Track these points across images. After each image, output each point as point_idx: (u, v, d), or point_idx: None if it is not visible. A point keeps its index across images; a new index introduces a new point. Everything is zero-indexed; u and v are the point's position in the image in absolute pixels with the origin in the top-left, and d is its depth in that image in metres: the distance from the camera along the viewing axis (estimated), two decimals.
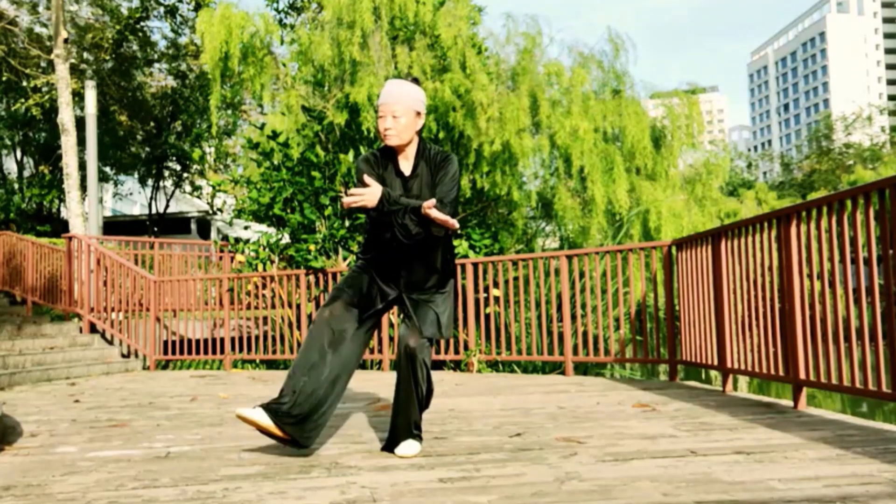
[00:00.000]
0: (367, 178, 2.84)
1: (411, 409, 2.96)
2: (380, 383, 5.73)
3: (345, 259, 8.55)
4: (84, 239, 9.27)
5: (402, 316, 3.06)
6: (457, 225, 2.81)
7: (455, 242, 8.86)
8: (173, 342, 8.69)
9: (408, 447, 2.93)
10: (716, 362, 4.81)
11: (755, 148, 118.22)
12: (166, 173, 23.00)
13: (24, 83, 17.66)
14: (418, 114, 2.93)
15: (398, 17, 9.88)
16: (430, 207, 2.72)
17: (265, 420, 2.81)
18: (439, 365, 7.77)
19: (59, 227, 18.89)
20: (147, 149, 21.65)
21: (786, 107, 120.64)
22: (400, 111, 2.87)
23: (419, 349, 2.92)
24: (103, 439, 3.55)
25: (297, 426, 2.84)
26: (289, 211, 9.24)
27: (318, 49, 9.78)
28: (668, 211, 10.75)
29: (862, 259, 3.39)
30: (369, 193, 2.78)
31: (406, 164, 2.97)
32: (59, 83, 12.94)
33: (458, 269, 7.11)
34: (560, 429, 3.45)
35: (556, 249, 11.46)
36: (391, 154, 2.98)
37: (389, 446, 2.98)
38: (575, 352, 6.32)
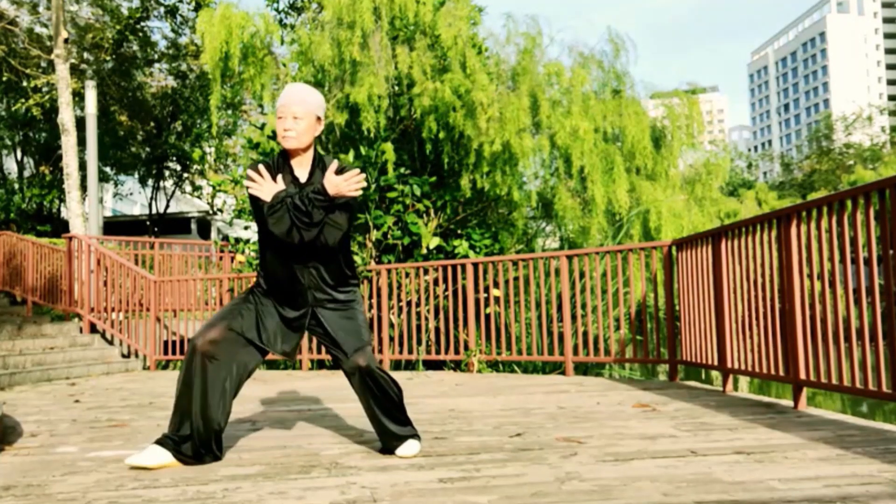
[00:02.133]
0: (262, 170, 2.79)
1: (394, 413, 2.97)
2: None
3: None
4: (84, 239, 9.28)
5: (323, 334, 2.95)
6: (359, 186, 2.72)
7: (455, 242, 8.87)
8: (173, 342, 8.69)
9: (408, 447, 2.93)
10: (716, 362, 4.81)
11: (755, 148, 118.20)
12: (166, 173, 23.00)
13: (25, 83, 17.66)
14: (318, 119, 2.89)
15: (398, 17, 9.87)
16: (334, 173, 2.69)
17: (166, 458, 2.80)
18: (439, 365, 7.77)
19: (59, 227, 18.90)
20: (147, 149, 21.64)
21: (786, 107, 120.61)
22: (300, 113, 2.82)
23: (371, 362, 2.92)
24: (103, 439, 3.55)
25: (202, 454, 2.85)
26: None
27: (318, 49, 9.78)
28: (668, 211, 10.75)
29: (862, 259, 3.39)
30: (268, 184, 2.75)
31: (302, 172, 2.91)
32: (59, 83, 12.93)
33: (459, 269, 7.11)
34: (560, 429, 3.45)
35: (556, 249, 11.46)
36: (286, 161, 2.91)
37: (386, 451, 2.99)
38: (575, 352, 6.32)
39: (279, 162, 2.91)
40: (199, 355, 2.81)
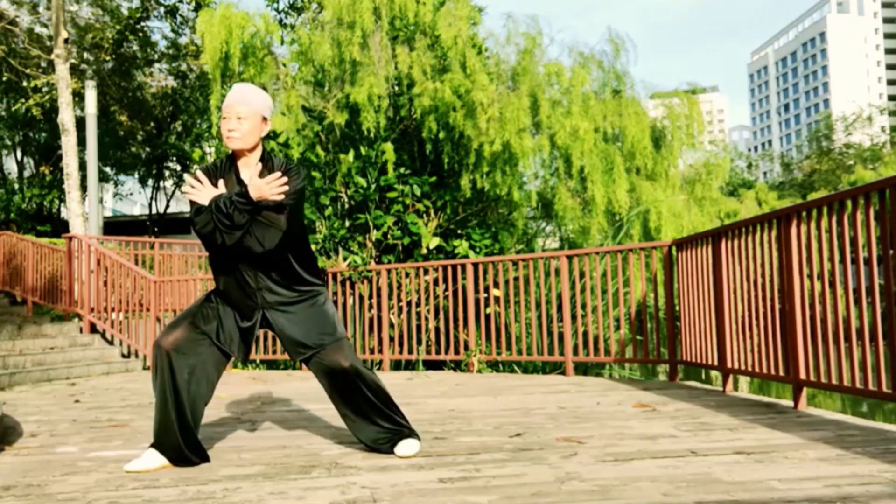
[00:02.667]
0: (199, 175, 2.78)
1: (389, 411, 2.96)
2: None
3: (345, 259, 8.55)
4: (84, 239, 9.28)
5: (280, 333, 2.91)
6: (281, 190, 2.67)
7: (455, 242, 8.87)
8: None
9: (407, 447, 2.92)
10: (716, 362, 4.81)
11: (755, 148, 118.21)
12: (166, 173, 23.01)
13: (25, 83, 17.67)
14: (264, 119, 2.85)
15: (398, 18, 9.88)
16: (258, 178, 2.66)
17: (162, 461, 2.79)
18: (439, 365, 7.77)
19: (59, 227, 18.91)
20: (147, 149, 21.66)
21: (786, 107, 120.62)
22: (245, 113, 2.78)
23: (354, 361, 2.91)
24: (103, 439, 3.55)
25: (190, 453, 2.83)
26: None
27: (318, 49, 9.78)
28: (668, 211, 10.75)
29: (862, 259, 3.39)
30: (206, 189, 2.74)
31: (248, 173, 2.86)
32: (59, 83, 12.94)
33: (459, 269, 7.11)
34: (560, 429, 3.45)
35: (556, 249, 11.46)
36: (233, 162, 2.88)
37: (384, 451, 2.97)
38: (575, 352, 6.32)
39: (225, 164, 2.88)
40: (164, 355, 2.78)
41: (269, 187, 2.65)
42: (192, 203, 2.76)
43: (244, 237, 2.74)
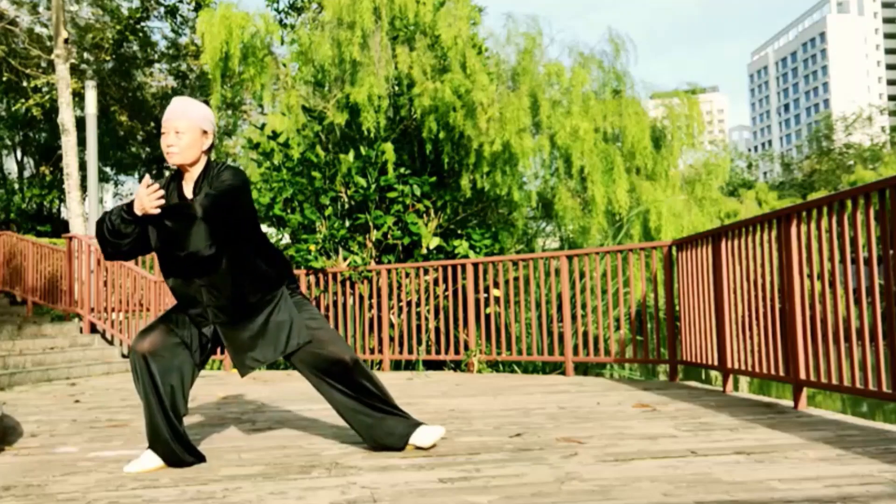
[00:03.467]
0: (142, 185, 2.66)
1: (390, 407, 2.96)
2: None
3: (345, 259, 8.55)
4: (84, 239, 9.28)
5: (241, 341, 2.85)
6: (155, 203, 2.56)
7: (455, 242, 8.86)
8: None
9: (428, 434, 2.94)
10: (716, 362, 4.81)
11: (755, 148, 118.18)
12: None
13: (25, 83, 17.67)
14: (205, 132, 2.79)
15: (398, 18, 9.88)
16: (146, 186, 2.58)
17: (157, 462, 2.79)
18: (439, 365, 7.77)
19: (59, 227, 18.89)
20: (147, 149, 21.66)
21: (786, 107, 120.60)
22: (183, 127, 2.73)
23: (350, 355, 2.89)
24: (104, 439, 3.55)
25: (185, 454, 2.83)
26: (289, 211, 9.24)
27: (318, 49, 9.78)
28: (668, 211, 10.75)
29: (862, 259, 3.39)
30: (139, 199, 2.61)
31: (189, 187, 2.83)
32: (59, 83, 12.94)
33: (459, 269, 7.11)
34: (560, 429, 3.45)
35: (556, 249, 11.46)
36: (177, 178, 2.85)
37: (392, 448, 2.96)
38: (575, 352, 6.32)
39: (171, 180, 2.85)
40: (141, 358, 2.76)
41: (147, 199, 2.55)
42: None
43: (171, 246, 2.70)
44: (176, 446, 2.77)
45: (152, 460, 2.78)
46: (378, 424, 2.94)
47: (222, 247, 2.74)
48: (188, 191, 2.82)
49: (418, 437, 2.95)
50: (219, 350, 2.89)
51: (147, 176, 2.75)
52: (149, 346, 2.78)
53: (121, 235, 2.70)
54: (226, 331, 2.85)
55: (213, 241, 2.69)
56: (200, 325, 2.86)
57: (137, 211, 2.59)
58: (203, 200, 2.62)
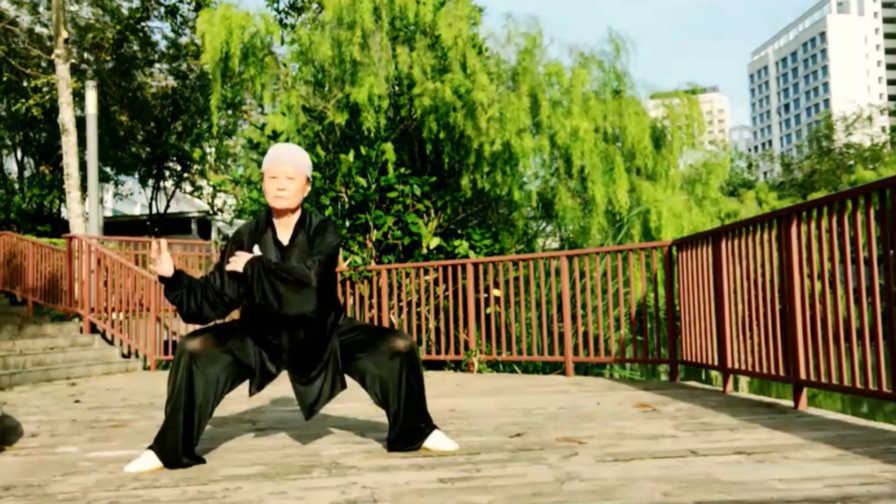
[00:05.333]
0: (232, 248, 2.83)
1: (423, 403, 2.99)
2: None
3: (345, 259, 8.55)
4: (84, 239, 9.28)
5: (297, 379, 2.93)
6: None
7: (455, 242, 8.86)
8: (174, 342, 8.69)
9: (441, 440, 2.97)
10: (716, 362, 4.81)
11: (756, 148, 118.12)
12: (167, 173, 22.99)
13: (25, 83, 17.66)
14: (308, 180, 2.89)
15: (398, 18, 9.87)
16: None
17: (156, 463, 2.78)
18: (440, 365, 7.76)
19: (59, 227, 18.87)
20: (147, 149, 21.64)
21: (786, 107, 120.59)
22: (293, 173, 2.80)
23: (410, 342, 2.93)
24: (104, 439, 3.55)
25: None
26: None
27: (318, 49, 9.78)
28: (668, 211, 10.74)
29: (862, 259, 3.39)
30: (241, 257, 2.75)
31: (285, 233, 2.88)
32: (59, 83, 12.93)
33: (459, 269, 7.11)
34: (560, 429, 3.45)
35: (556, 250, 11.45)
36: (269, 223, 2.89)
37: (407, 446, 2.97)
38: (575, 352, 6.32)
39: (262, 225, 2.89)
40: (188, 356, 2.76)
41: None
42: (228, 272, 2.78)
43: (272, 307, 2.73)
44: (181, 449, 2.76)
45: (152, 461, 2.77)
46: (408, 420, 3.00)
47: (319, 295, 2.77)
48: (284, 237, 2.86)
49: (441, 443, 3.00)
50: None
51: (237, 234, 2.87)
52: (199, 348, 2.77)
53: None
54: (298, 380, 2.91)
55: (318, 302, 2.73)
56: (271, 357, 2.88)
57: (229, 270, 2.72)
58: (317, 268, 2.70)
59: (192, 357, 2.76)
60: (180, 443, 2.76)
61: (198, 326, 2.93)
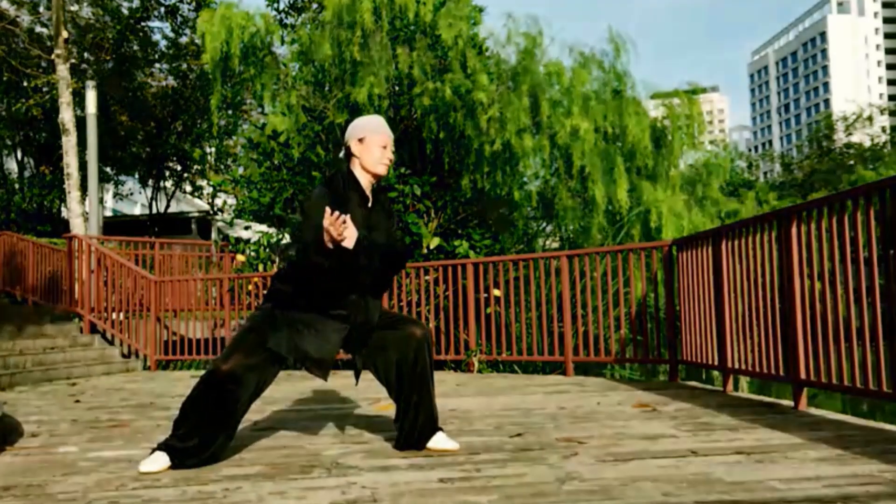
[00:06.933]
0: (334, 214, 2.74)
1: (433, 395, 3.03)
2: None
3: None
4: (84, 239, 9.28)
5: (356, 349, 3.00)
6: (336, 234, 2.70)
7: (456, 242, 8.87)
8: (174, 342, 8.69)
9: (442, 440, 3.00)
10: (716, 362, 4.81)
11: (756, 148, 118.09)
12: (167, 173, 22.98)
13: (25, 83, 17.66)
14: None
15: (399, 17, 9.87)
16: None
17: (166, 463, 2.77)
18: (440, 365, 7.76)
19: (59, 227, 18.87)
20: (148, 149, 21.63)
21: (786, 107, 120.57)
22: (392, 145, 3.04)
23: (425, 331, 2.99)
24: (104, 439, 3.55)
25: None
26: (289, 211, 9.24)
27: (318, 49, 9.77)
28: (668, 211, 10.73)
29: (862, 259, 3.39)
30: (351, 231, 2.78)
31: (366, 196, 3.02)
32: (59, 83, 12.94)
33: (459, 269, 7.11)
34: (561, 429, 3.45)
35: (556, 249, 11.45)
36: (354, 184, 2.98)
37: (415, 444, 2.98)
38: (575, 352, 6.32)
39: (346, 182, 2.96)
40: (229, 377, 2.76)
41: (335, 230, 2.67)
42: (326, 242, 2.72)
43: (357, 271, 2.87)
44: (204, 459, 2.78)
45: (164, 461, 2.76)
46: (420, 412, 3.05)
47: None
48: (366, 200, 3.02)
49: (446, 443, 3.04)
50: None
51: (336, 213, 2.71)
52: (241, 365, 2.79)
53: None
54: (367, 332, 2.97)
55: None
56: (337, 325, 2.89)
57: (329, 243, 2.71)
58: (401, 244, 2.91)
59: (236, 376, 2.78)
60: (206, 455, 2.78)
61: (225, 347, 2.91)
